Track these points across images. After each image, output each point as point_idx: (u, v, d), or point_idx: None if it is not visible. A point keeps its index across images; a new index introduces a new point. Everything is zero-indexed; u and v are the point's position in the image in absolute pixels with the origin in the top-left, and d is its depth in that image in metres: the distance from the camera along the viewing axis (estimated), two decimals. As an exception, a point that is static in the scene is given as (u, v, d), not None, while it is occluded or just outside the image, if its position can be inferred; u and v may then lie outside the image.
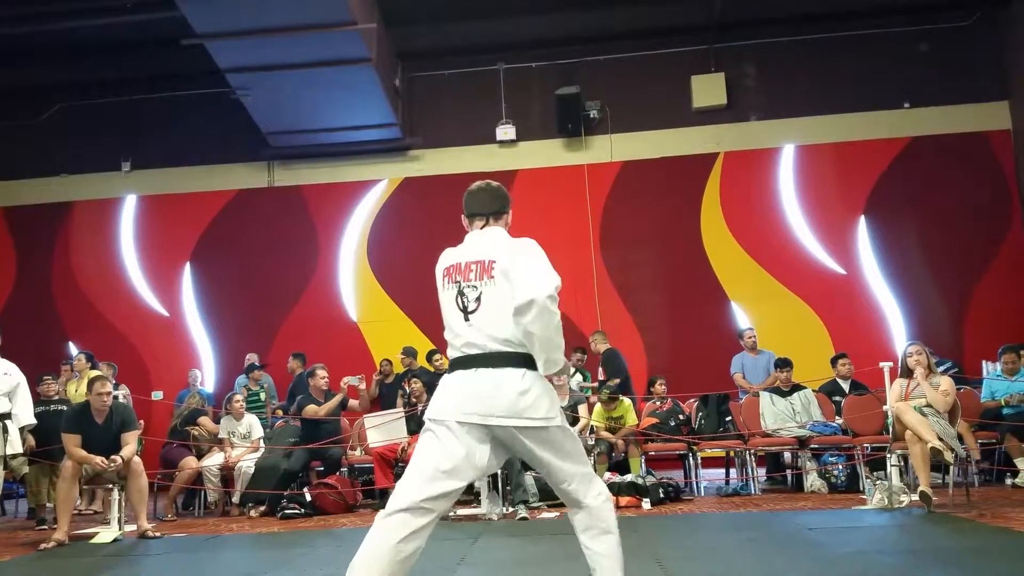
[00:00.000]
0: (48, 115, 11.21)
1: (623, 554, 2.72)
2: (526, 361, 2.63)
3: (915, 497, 5.69)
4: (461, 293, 2.72)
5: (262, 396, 8.85)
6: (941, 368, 8.49)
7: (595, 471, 6.78)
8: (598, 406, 7.60)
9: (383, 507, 2.70)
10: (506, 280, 2.63)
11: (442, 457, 2.60)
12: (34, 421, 6.42)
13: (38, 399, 7.16)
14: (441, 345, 9.28)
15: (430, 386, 8.04)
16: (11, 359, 6.39)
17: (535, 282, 2.54)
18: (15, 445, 6.17)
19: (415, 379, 8.11)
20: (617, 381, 7.83)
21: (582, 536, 2.74)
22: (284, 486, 7.01)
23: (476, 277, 2.70)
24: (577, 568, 4.19)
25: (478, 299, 2.69)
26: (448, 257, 2.86)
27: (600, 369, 8.56)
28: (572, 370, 8.60)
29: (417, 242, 10.59)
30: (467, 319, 2.69)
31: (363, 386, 7.82)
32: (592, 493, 2.72)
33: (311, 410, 7.42)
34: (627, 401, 7.67)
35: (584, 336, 9.57)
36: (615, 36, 10.62)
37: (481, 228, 2.86)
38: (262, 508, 7.04)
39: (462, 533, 5.52)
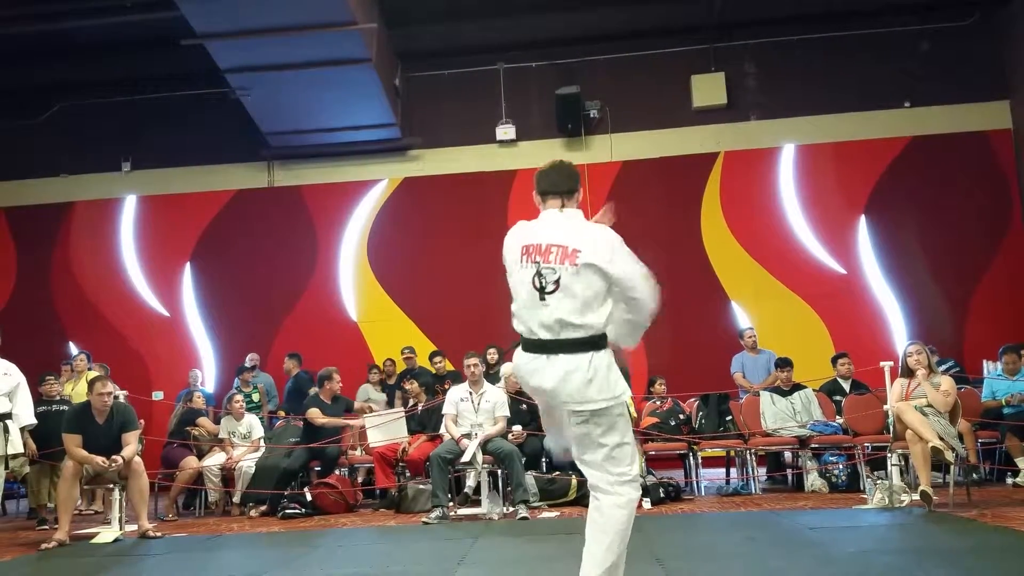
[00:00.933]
0: (48, 115, 11.21)
1: (612, 559, 2.75)
2: (594, 344, 2.77)
3: (916, 497, 5.69)
4: (539, 274, 2.79)
5: (254, 397, 8.84)
6: (942, 367, 8.48)
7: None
8: None
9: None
10: (594, 274, 2.75)
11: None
12: (34, 421, 6.42)
13: (40, 399, 7.17)
14: (442, 345, 9.36)
15: (429, 386, 8.05)
16: (11, 359, 6.39)
17: (648, 294, 2.81)
18: (16, 445, 6.17)
19: (411, 379, 8.12)
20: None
21: (587, 526, 2.81)
22: (284, 485, 7.02)
23: (557, 260, 2.77)
24: (577, 568, 4.19)
25: (556, 282, 2.76)
26: (525, 234, 2.89)
27: None
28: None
29: (417, 242, 10.60)
30: (543, 299, 2.78)
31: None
32: (611, 496, 2.79)
33: (314, 413, 7.42)
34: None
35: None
36: (615, 36, 10.61)
37: (558, 208, 2.91)
38: (263, 508, 7.04)
39: (462, 533, 5.52)
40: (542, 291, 2.77)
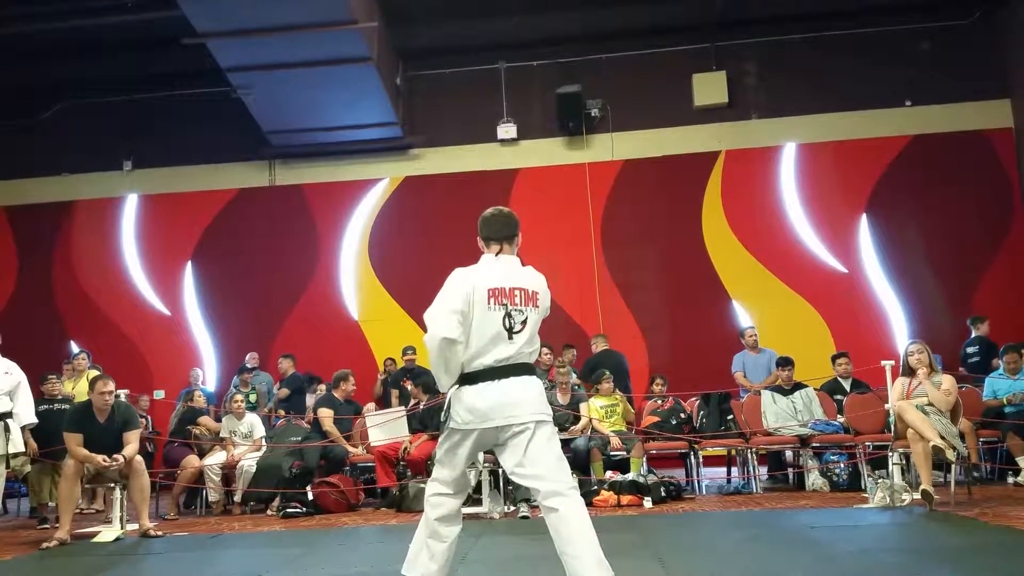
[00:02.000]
0: (49, 114, 11.22)
1: (599, 551, 2.87)
2: (533, 369, 3.15)
3: (917, 496, 5.68)
4: (509, 315, 3.08)
5: (251, 398, 8.84)
6: (972, 348, 8.34)
7: (591, 468, 6.71)
8: (594, 399, 7.57)
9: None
10: (542, 313, 3.18)
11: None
12: (35, 420, 6.43)
13: (41, 398, 7.17)
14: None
15: (428, 386, 8.05)
16: (13, 358, 6.40)
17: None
18: (17, 444, 6.18)
19: (409, 379, 8.13)
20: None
21: (560, 539, 2.94)
22: (303, 484, 7.03)
23: (522, 303, 3.11)
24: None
25: (524, 322, 3.09)
26: (486, 278, 3.11)
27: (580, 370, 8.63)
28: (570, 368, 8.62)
29: (418, 241, 10.60)
30: (511, 337, 3.07)
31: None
32: (569, 499, 2.98)
33: (324, 413, 7.44)
34: (619, 394, 7.68)
35: (586, 335, 9.58)
36: (616, 34, 10.61)
37: (497, 252, 3.20)
38: (275, 504, 7.03)
39: (463, 531, 5.50)
40: (510, 331, 3.07)
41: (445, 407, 3.15)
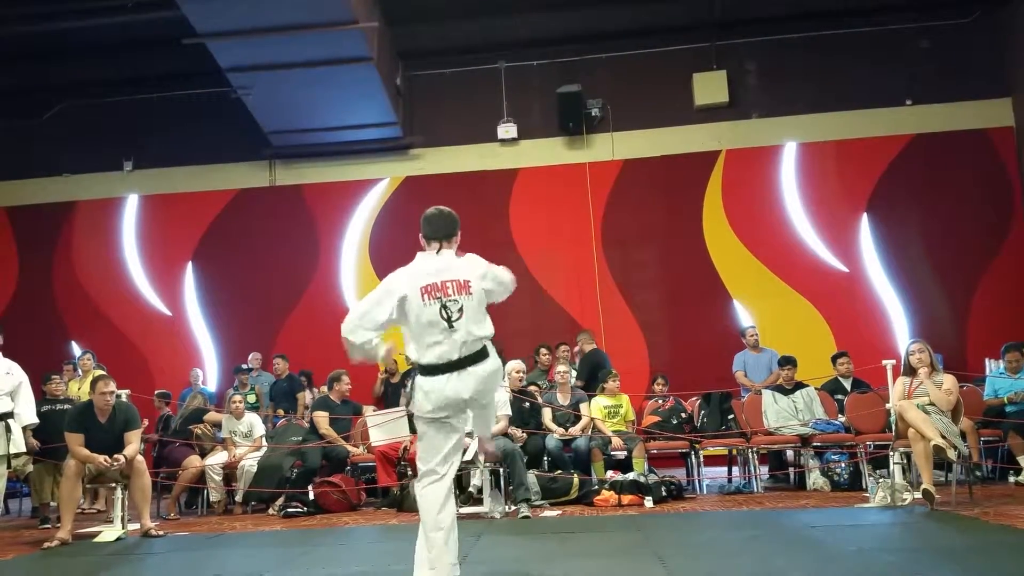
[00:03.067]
0: (50, 115, 11.21)
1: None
2: (488, 352, 3.42)
3: (918, 495, 5.68)
4: (444, 307, 3.33)
5: (249, 399, 8.82)
6: None
7: (591, 467, 6.79)
8: (595, 400, 7.56)
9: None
10: (480, 294, 3.41)
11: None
12: (36, 420, 6.44)
13: (44, 398, 7.18)
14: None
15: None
16: (13, 358, 6.41)
17: (511, 278, 3.56)
18: (18, 444, 6.19)
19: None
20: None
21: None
22: (304, 484, 7.03)
23: (455, 292, 3.36)
24: (579, 566, 4.19)
25: (460, 310, 3.35)
26: (417, 278, 3.39)
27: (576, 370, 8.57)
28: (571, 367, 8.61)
29: (418, 241, 10.57)
30: (451, 326, 3.33)
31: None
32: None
33: (320, 416, 7.45)
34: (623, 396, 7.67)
35: (587, 334, 9.57)
36: (616, 34, 10.60)
37: (438, 250, 3.47)
38: (278, 503, 7.03)
39: (464, 531, 5.48)
40: (449, 320, 3.32)
41: (408, 391, 3.47)
